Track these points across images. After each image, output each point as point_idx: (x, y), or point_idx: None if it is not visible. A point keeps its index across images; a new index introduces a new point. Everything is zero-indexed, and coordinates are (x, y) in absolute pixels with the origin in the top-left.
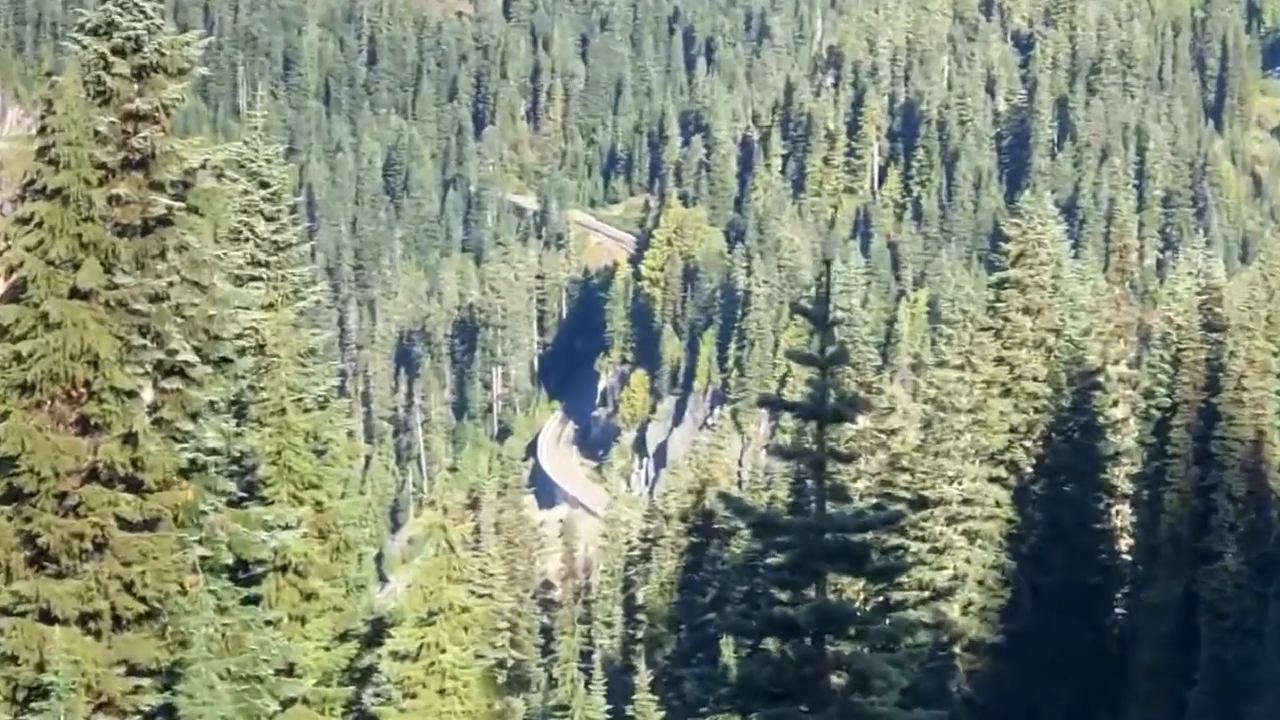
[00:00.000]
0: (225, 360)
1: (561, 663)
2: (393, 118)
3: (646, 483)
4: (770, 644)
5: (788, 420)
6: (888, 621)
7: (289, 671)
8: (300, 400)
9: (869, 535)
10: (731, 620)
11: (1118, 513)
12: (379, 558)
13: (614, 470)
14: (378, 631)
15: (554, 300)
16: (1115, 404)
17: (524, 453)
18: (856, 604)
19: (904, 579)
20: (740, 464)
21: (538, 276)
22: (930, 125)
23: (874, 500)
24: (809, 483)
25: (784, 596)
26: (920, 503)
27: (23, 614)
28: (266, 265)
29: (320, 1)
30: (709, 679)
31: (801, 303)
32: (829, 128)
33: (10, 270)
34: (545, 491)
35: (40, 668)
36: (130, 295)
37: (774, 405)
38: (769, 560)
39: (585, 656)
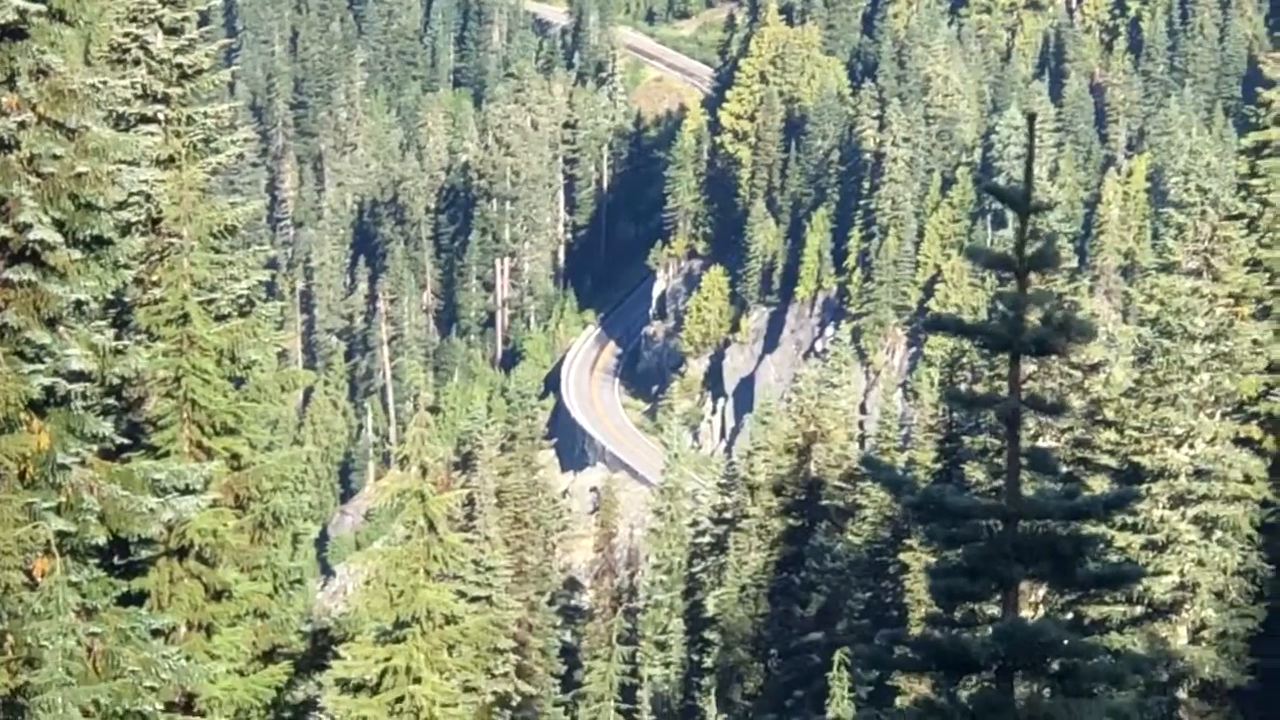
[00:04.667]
0: (101, 241)
1: (592, 701)
2: None
3: (723, 435)
4: (925, 683)
5: (937, 345)
6: (1108, 654)
7: (186, 706)
8: (211, 303)
9: (1084, 526)
10: (861, 647)
11: None
12: (322, 539)
13: (674, 416)
14: (320, 649)
15: (590, 161)
16: None
17: (541, 387)
18: (1055, 627)
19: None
20: (863, 410)
21: (566, 125)
22: None
23: (1064, 469)
24: (990, 445)
25: (953, 614)
26: (1131, 474)
27: None
28: (165, 100)
29: None
30: None
31: (994, 181)
32: None
33: None
34: (572, 446)
35: None
36: None
37: (946, 328)
38: (931, 560)
39: (628, 693)
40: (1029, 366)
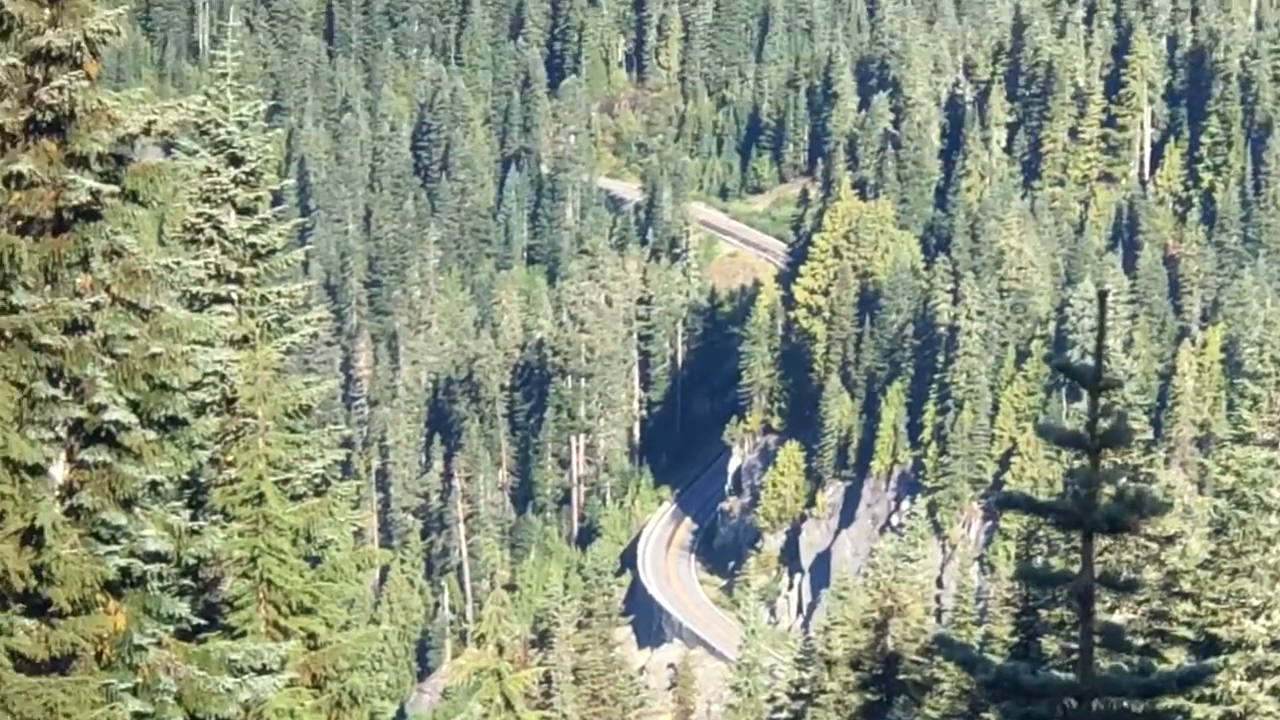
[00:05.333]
0: (176, 421)
1: None
2: (427, 62)
3: (799, 611)
4: None
5: (1013, 519)
6: None
7: None
8: (286, 483)
9: (1160, 701)
10: None
11: None
12: (399, 718)
13: (751, 591)
14: None
15: (664, 337)
16: None
17: (617, 564)
18: None
19: None
20: (940, 584)
21: (641, 301)
22: (1228, 82)
23: (1141, 642)
24: (1068, 618)
25: None
26: (1209, 646)
27: None
28: (239, 281)
29: None
30: None
31: (1065, 357)
32: (1078, 84)
33: None
34: (649, 622)
35: None
36: (36, 323)
37: (1018, 506)
38: None
39: None
40: (1104, 540)
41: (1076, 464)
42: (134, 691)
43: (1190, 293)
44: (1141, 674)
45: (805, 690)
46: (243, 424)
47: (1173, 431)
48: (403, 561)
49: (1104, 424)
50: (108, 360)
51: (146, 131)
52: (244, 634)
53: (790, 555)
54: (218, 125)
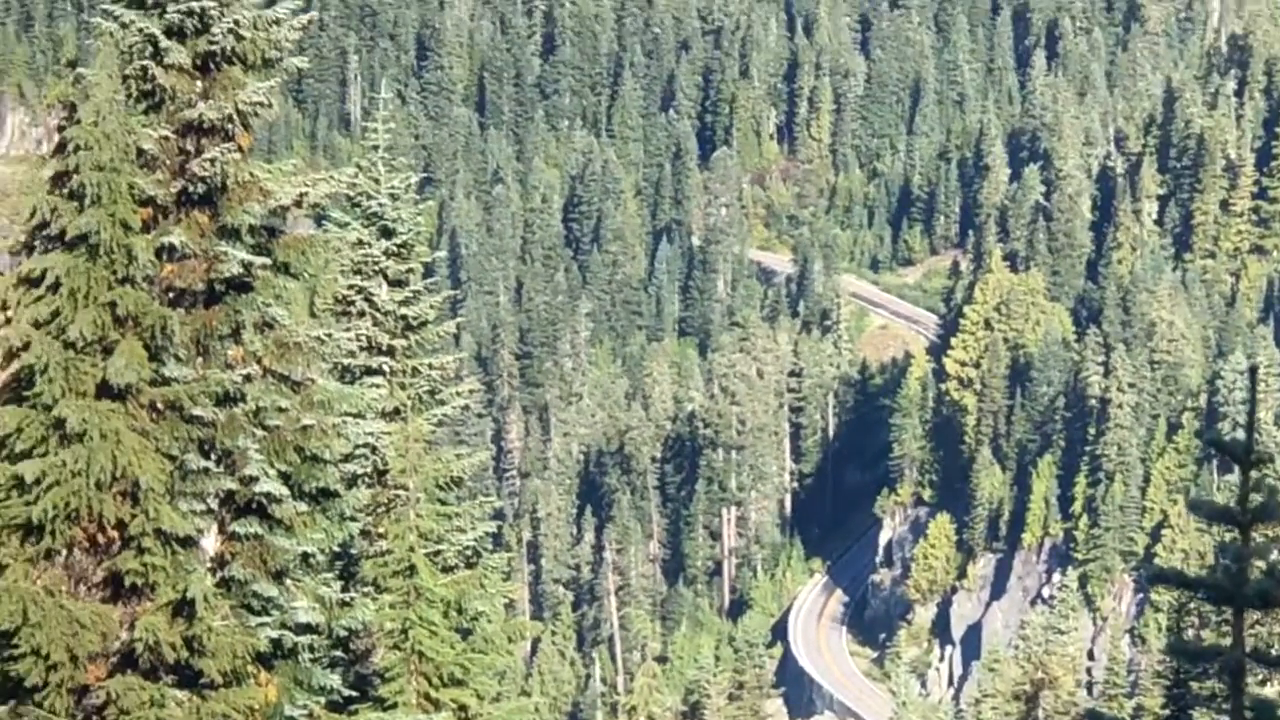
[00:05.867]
0: (328, 493)
1: None
2: (578, 134)
3: (950, 683)
4: None
5: (1164, 591)
6: None
7: None
8: (438, 554)
9: None
10: None
11: None
12: None
13: (902, 663)
14: None
15: (816, 409)
16: None
17: (769, 636)
18: None
19: None
20: (1091, 656)
21: (792, 374)
22: None
23: None
24: (1219, 690)
25: None
26: None
27: None
28: (391, 353)
29: None
30: None
31: (1217, 430)
32: (1229, 156)
33: (10, 354)
34: (800, 694)
35: None
36: (188, 395)
37: (1168, 580)
38: None
39: None
40: (1255, 614)
41: (1228, 538)
42: None
43: None
44: None
45: None
46: (394, 496)
47: None
48: (554, 633)
49: (1255, 499)
50: (259, 432)
51: (298, 203)
52: (395, 706)
53: (941, 627)
54: (369, 197)
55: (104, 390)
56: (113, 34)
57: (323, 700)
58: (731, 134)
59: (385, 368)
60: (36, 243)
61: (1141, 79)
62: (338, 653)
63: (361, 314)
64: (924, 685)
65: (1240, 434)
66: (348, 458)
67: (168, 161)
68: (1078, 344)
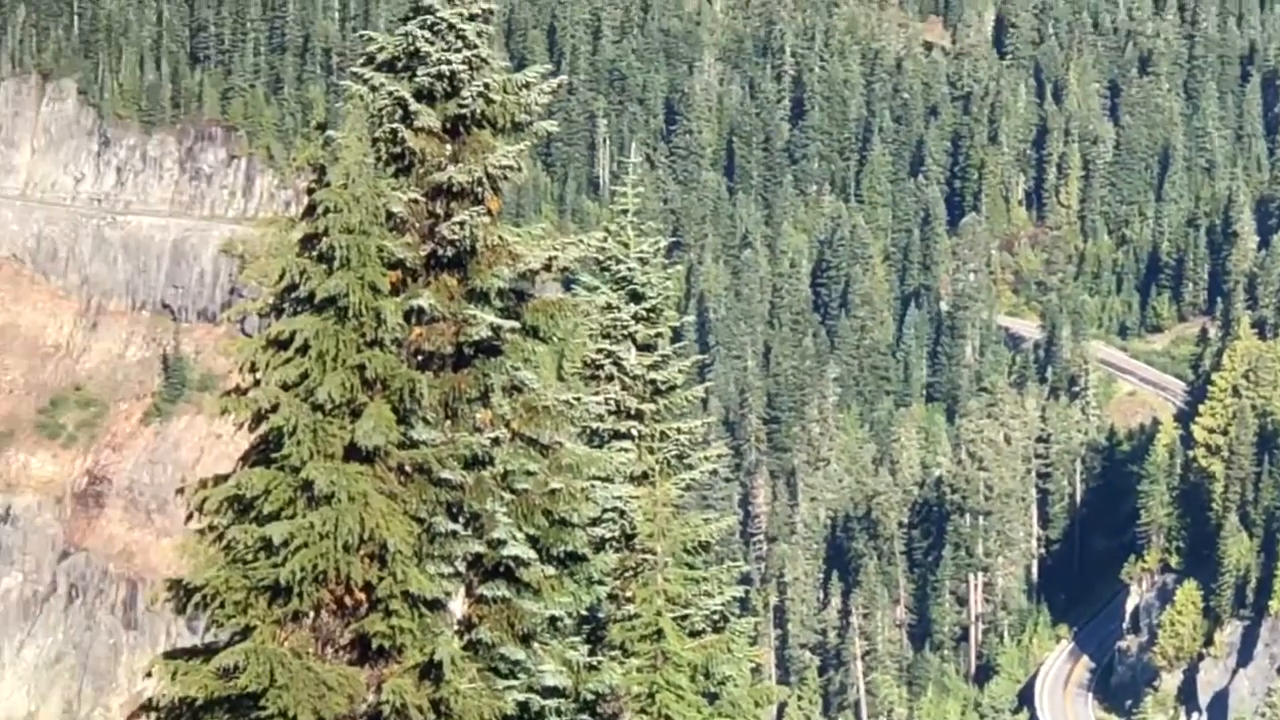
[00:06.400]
0: (575, 557)
1: None
2: (827, 199)
3: None
4: None
5: None
6: None
7: None
8: (685, 618)
9: None
10: None
11: None
12: None
13: None
14: None
15: (1063, 475)
16: None
17: (1015, 702)
18: None
19: None
20: None
21: (1040, 439)
22: None
23: None
24: None
25: None
26: None
27: None
28: (639, 417)
29: (720, 26)
30: None
31: None
32: None
33: (259, 416)
34: None
35: None
36: (436, 458)
37: None
38: None
39: None
40: None
41: None
42: None
43: None
44: None
45: None
46: (642, 560)
47: None
48: (800, 698)
49: None
50: (507, 496)
51: (547, 267)
52: None
53: (1188, 694)
54: (619, 261)
55: (352, 452)
56: (362, 97)
57: None
58: (980, 199)
59: (633, 432)
60: (285, 305)
61: None
62: (584, 716)
63: (610, 378)
64: None
65: None
66: (595, 521)
67: (417, 224)
68: None
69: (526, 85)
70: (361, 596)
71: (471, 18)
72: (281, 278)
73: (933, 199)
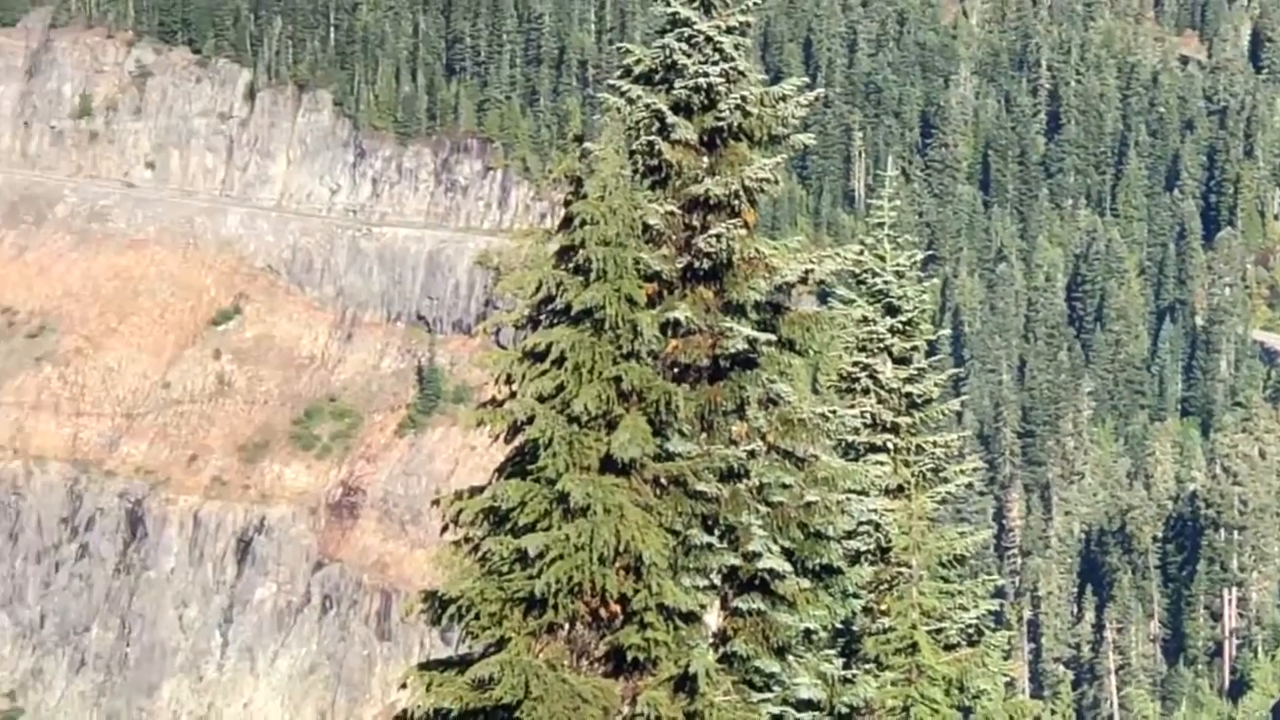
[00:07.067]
0: (830, 570)
1: None
2: (1082, 213)
3: None
4: None
5: None
6: None
7: None
8: (940, 632)
9: None
10: None
11: None
12: None
13: None
14: None
15: None
16: None
17: (1269, 717)
18: None
19: None
20: None
21: None
22: None
23: None
24: None
25: None
26: None
27: None
28: (895, 430)
29: (976, 40)
30: None
31: None
32: None
33: (514, 428)
34: None
35: None
36: (692, 470)
37: None
38: None
39: None
40: None
41: None
42: None
43: None
44: None
45: None
46: (897, 573)
47: None
48: (1053, 713)
49: None
50: (762, 508)
51: (803, 280)
52: None
53: None
54: (875, 274)
55: (608, 465)
56: (620, 109)
57: None
58: (1235, 214)
59: (889, 445)
60: (541, 317)
61: None
62: None
63: (865, 391)
64: None
65: None
66: (851, 534)
67: (673, 237)
68: None
69: (783, 98)
70: (617, 609)
71: (729, 30)
72: (538, 290)
73: (1188, 213)
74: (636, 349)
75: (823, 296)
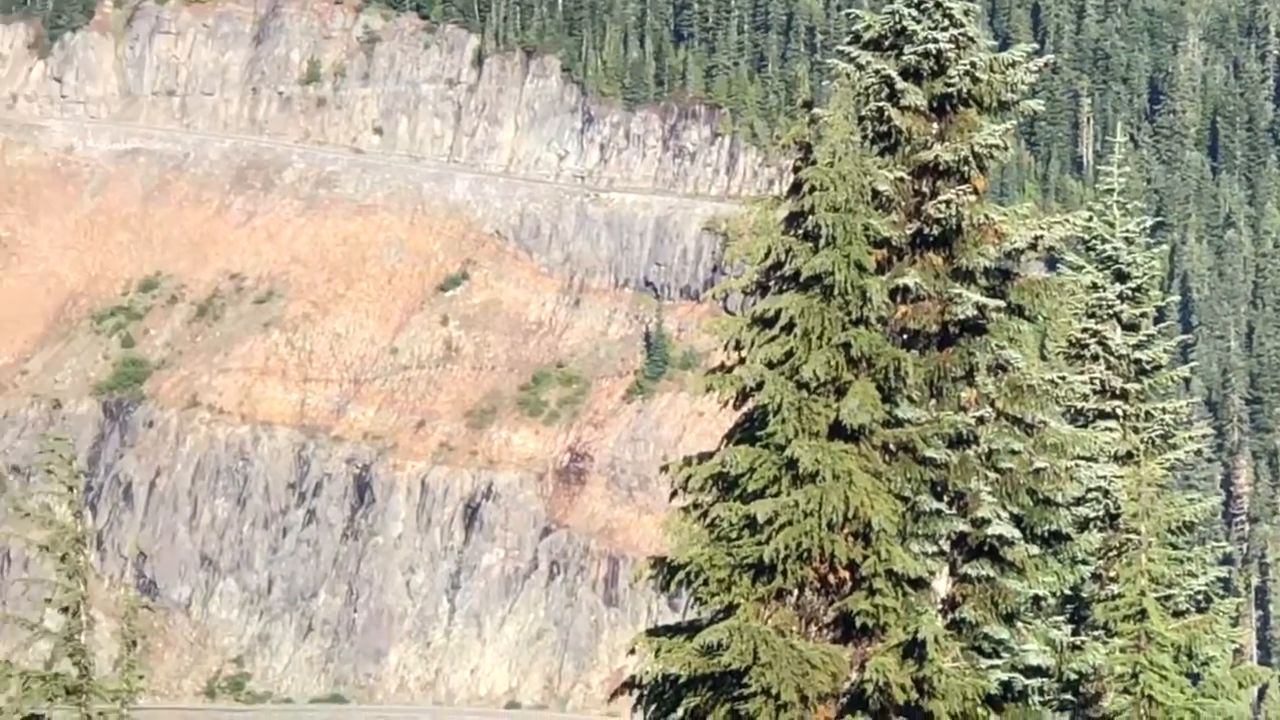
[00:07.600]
0: (1059, 536)
1: None
2: None
3: None
4: None
5: None
6: None
7: None
8: (1168, 599)
9: None
10: None
11: None
12: None
13: None
14: None
15: None
16: None
17: None
18: None
19: None
20: None
21: None
22: None
23: None
24: None
25: None
26: None
27: None
28: (1124, 396)
29: (1205, 6)
30: None
31: None
32: None
33: (743, 394)
34: None
35: None
36: (921, 436)
37: None
38: None
39: None
40: None
41: None
42: None
43: None
44: None
45: None
46: (1126, 540)
47: None
48: None
49: None
50: (992, 475)
51: (1033, 246)
52: None
53: None
54: (1104, 241)
55: (836, 431)
56: (849, 75)
57: None
58: None
59: (1118, 411)
60: (770, 283)
61: None
62: (1067, 696)
63: (1095, 357)
64: None
65: None
66: (1079, 501)
67: (903, 203)
68: None
69: (1013, 64)
70: (845, 575)
71: None
72: (766, 256)
73: None
74: (865, 315)
75: (1051, 263)
